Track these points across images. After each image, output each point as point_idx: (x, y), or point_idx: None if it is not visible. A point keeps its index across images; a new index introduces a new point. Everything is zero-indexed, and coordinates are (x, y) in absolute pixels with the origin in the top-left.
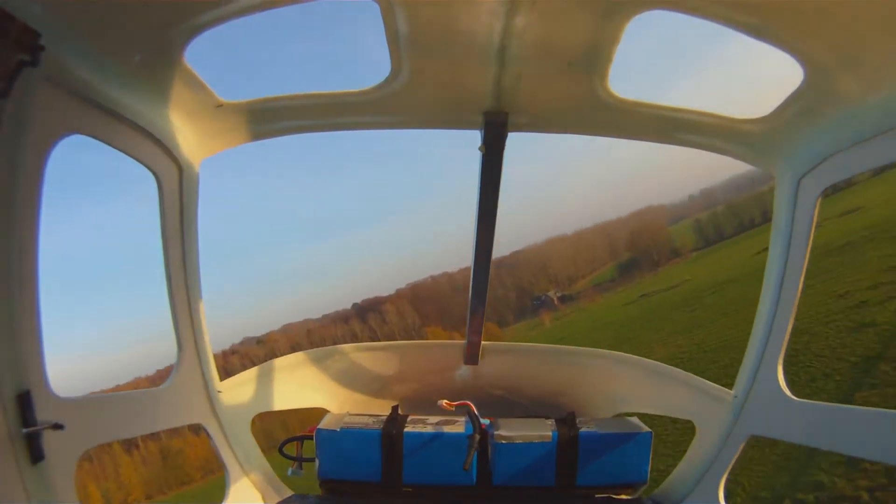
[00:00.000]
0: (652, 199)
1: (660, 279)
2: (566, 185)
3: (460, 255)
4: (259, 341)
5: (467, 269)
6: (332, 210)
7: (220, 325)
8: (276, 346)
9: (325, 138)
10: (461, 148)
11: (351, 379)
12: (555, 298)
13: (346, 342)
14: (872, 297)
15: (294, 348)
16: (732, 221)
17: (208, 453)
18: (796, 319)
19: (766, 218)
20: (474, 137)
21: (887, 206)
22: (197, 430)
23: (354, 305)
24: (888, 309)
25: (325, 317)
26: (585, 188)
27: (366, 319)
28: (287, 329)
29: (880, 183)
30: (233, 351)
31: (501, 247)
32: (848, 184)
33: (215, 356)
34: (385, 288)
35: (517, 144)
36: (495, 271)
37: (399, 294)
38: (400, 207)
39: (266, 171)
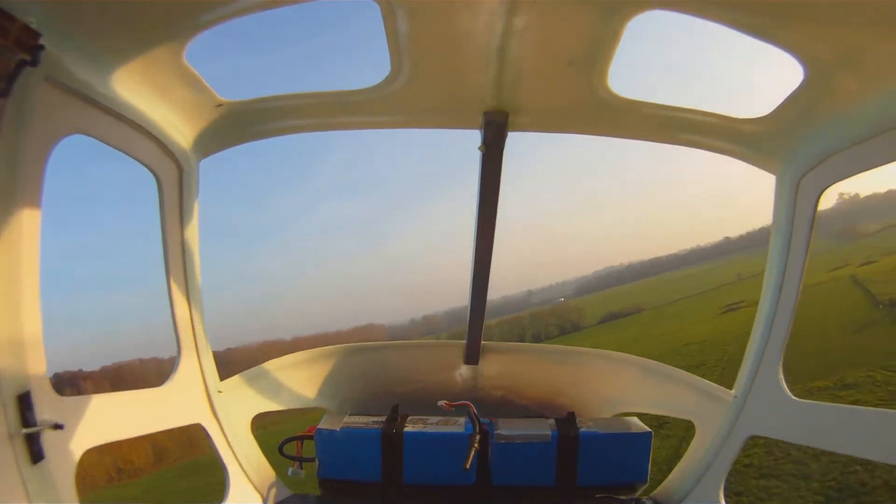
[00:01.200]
0: (374, 318)
1: None
2: (290, 292)
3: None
4: None
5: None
6: (63, 266)
7: None
8: None
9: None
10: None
11: (351, 379)
12: None
13: None
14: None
15: None
16: None
17: None
18: None
19: None
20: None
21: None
22: None
23: (55, 375)
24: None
25: None
26: (308, 297)
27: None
28: None
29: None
30: None
31: (220, 340)
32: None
33: None
34: (90, 363)
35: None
36: None
37: (103, 371)
38: (123, 280)
39: None
